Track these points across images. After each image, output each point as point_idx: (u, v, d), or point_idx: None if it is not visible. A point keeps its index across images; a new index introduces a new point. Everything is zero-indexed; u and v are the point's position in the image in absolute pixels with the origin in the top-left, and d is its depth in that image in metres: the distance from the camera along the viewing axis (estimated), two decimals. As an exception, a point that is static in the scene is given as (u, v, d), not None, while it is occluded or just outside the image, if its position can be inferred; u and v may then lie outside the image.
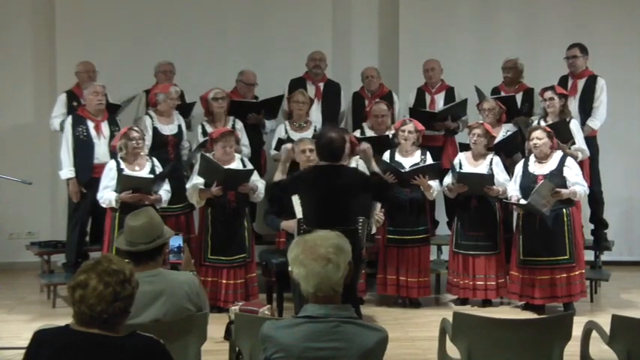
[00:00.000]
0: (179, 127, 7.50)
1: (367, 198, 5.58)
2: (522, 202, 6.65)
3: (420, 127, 7.12)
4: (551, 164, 6.76)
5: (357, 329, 2.87)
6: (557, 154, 6.82)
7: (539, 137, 6.74)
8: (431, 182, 6.93)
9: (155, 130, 7.27)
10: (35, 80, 8.73)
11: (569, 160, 6.78)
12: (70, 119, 7.22)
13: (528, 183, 6.77)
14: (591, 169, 7.62)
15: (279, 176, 5.74)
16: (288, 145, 6.12)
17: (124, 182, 6.51)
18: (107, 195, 6.55)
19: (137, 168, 6.66)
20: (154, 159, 6.84)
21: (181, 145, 7.52)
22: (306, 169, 5.96)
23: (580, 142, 7.24)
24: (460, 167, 7.09)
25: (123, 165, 6.62)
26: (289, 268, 2.93)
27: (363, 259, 5.75)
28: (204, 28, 8.64)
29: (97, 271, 2.68)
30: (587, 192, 6.87)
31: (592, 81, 7.80)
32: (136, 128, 6.80)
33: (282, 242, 7.02)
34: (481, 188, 6.92)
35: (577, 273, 6.72)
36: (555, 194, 6.57)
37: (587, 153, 7.35)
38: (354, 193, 5.32)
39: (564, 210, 6.68)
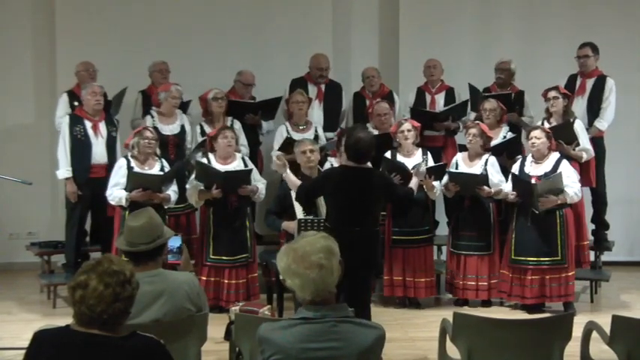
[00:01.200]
0: (182, 127, 7.50)
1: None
2: (533, 181, 6.62)
3: (416, 124, 7.12)
4: (547, 165, 6.76)
5: (354, 328, 2.87)
6: (554, 156, 6.81)
7: (537, 137, 6.74)
8: (434, 182, 6.93)
9: (155, 130, 7.26)
10: (35, 80, 8.73)
11: (564, 163, 6.77)
12: (67, 119, 7.22)
13: (523, 183, 6.79)
14: (597, 170, 7.61)
15: (292, 178, 5.75)
16: (276, 160, 6.17)
17: (133, 180, 6.54)
18: (117, 193, 6.58)
19: (147, 167, 6.70)
20: (163, 160, 6.86)
21: (185, 145, 7.51)
22: (333, 168, 5.98)
23: (585, 142, 7.22)
24: (456, 167, 7.09)
25: (133, 163, 6.65)
26: (280, 277, 2.92)
27: (379, 261, 5.78)
28: (205, 28, 8.63)
29: (98, 271, 2.68)
30: (579, 195, 6.77)
31: (601, 81, 7.77)
32: (150, 128, 6.87)
33: (283, 244, 7.02)
34: (472, 188, 6.91)
35: (569, 274, 6.72)
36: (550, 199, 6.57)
37: (592, 153, 7.33)
38: (379, 198, 5.34)
39: (557, 211, 6.68)
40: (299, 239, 2.94)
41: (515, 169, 6.91)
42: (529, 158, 6.86)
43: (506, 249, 6.90)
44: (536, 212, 6.60)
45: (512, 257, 6.79)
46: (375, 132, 7.50)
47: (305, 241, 2.90)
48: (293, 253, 2.86)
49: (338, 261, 2.89)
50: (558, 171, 6.67)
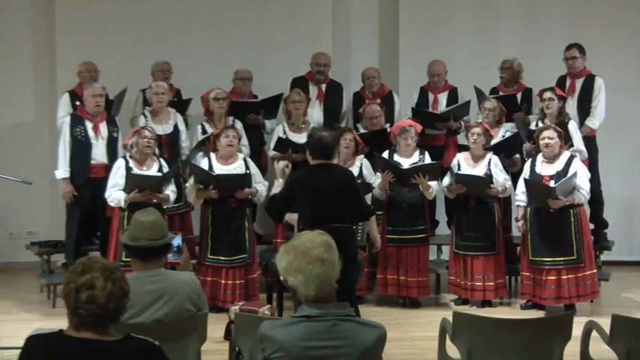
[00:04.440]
0: (175, 126, 7.49)
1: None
2: (552, 183, 6.61)
3: (419, 128, 7.11)
4: (558, 165, 6.75)
5: (355, 327, 2.88)
6: (565, 155, 6.80)
7: (550, 137, 6.72)
8: (430, 182, 6.92)
9: (150, 129, 7.25)
10: (35, 80, 8.72)
11: (577, 162, 6.76)
12: (68, 119, 7.22)
13: (535, 183, 6.77)
14: (591, 169, 7.61)
15: (277, 189, 5.69)
16: (280, 165, 6.00)
17: (132, 181, 6.54)
18: (116, 194, 6.58)
19: (145, 168, 6.69)
20: (162, 159, 6.85)
21: (179, 145, 7.51)
22: (299, 171, 5.94)
23: (578, 143, 7.22)
24: (459, 168, 7.08)
25: (132, 164, 6.65)
26: (281, 278, 2.92)
27: (360, 258, 5.75)
28: (205, 28, 8.63)
29: (99, 270, 2.66)
30: (587, 196, 6.77)
31: (590, 80, 7.80)
32: (149, 128, 6.85)
33: (279, 243, 7.03)
34: (481, 190, 6.91)
35: (587, 273, 6.71)
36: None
37: (586, 155, 7.33)
38: (346, 192, 5.33)
39: (571, 210, 6.67)
40: (296, 238, 2.96)
41: (525, 170, 6.90)
42: (540, 158, 6.84)
43: (524, 250, 6.89)
44: (551, 211, 6.60)
45: (530, 258, 6.79)
46: (363, 131, 7.55)
47: (304, 238, 2.93)
48: (294, 251, 2.87)
49: (337, 255, 2.90)
50: (573, 170, 6.65)
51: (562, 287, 6.68)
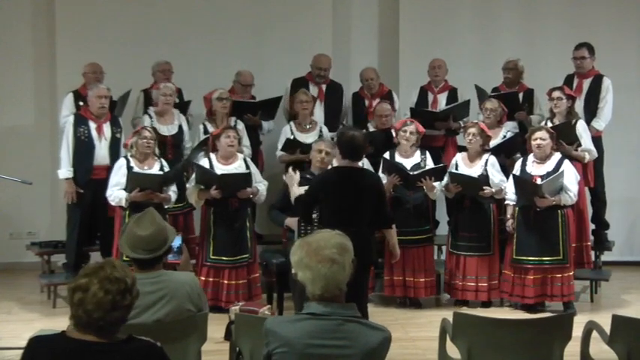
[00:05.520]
0: (179, 127, 7.51)
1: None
2: (539, 181, 6.63)
3: (421, 129, 7.12)
4: (549, 165, 6.76)
5: (360, 328, 2.88)
6: (556, 156, 6.81)
7: (542, 138, 6.73)
8: (434, 183, 6.92)
9: (153, 130, 7.25)
10: (35, 80, 8.72)
11: (567, 163, 6.77)
12: (72, 119, 7.21)
13: (524, 183, 6.77)
14: (595, 169, 7.61)
15: (294, 193, 5.67)
16: (291, 172, 5.95)
17: (133, 180, 6.55)
18: (117, 193, 6.60)
19: (146, 167, 6.72)
20: (163, 160, 6.87)
21: (183, 145, 7.52)
22: (326, 171, 5.93)
23: (587, 143, 7.21)
24: (456, 168, 7.07)
25: (133, 163, 6.67)
26: (293, 271, 2.93)
27: (374, 260, 5.74)
28: (205, 28, 8.63)
29: (100, 276, 2.65)
30: (574, 198, 6.75)
31: (598, 81, 7.75)
32: (149, 128, 6.90)
33: (286, 243, 7.03)
34: (474, 190, 6.91)
35: (569, 274, 6.74)
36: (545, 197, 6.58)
37: (595, 154, 7.32)
38: (370, 197, 5.31)
39: (559, 211, 6.69)
40: (314, 234, 2.97)
41: (516, 168, 6.90)
42: (530, 158, 6.85)
43: (509, 249, 6.90)
44: (537, 210, 6.61)
45: (514, 257, 6.80)
46: (372, 129, 7.56)
47: (320, 235, 2.94)
48: (307, 247, 2.89)
49: (351, 259, 2.90)
50: (561, 170, 6.66)
51: (546, 286, 6.71)
